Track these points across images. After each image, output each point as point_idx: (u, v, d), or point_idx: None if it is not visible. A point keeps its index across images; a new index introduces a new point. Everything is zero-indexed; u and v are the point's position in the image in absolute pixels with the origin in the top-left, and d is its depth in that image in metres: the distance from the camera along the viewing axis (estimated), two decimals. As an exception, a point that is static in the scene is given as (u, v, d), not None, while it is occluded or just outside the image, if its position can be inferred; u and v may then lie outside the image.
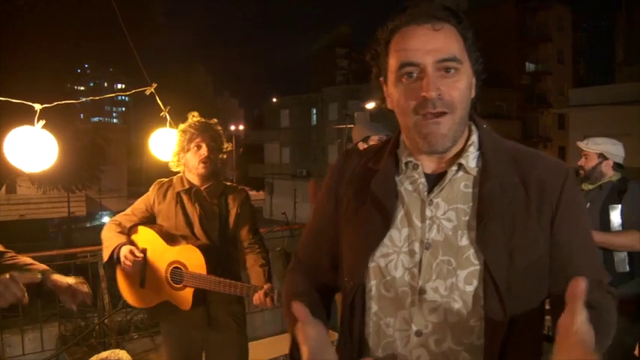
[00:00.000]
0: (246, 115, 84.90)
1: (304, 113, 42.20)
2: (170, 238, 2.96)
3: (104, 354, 4.04)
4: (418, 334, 1.26)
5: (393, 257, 1.30)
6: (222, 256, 2.94)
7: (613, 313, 1.24)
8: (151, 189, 3.07)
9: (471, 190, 1.28)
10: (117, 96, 4.29)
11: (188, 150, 2.97)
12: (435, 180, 1.31)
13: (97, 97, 3.78)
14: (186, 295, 2.88)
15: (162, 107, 3.42)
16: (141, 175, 33.46)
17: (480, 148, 1.32)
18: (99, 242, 3.04)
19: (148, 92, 3.50)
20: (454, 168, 1.29)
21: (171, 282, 2.92)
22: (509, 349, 1.21)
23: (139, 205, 3.07)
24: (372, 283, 1.32)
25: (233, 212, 3.05)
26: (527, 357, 1.26)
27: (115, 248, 2.87)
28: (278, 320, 5.57)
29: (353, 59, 63.66)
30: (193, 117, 3.06)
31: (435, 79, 1.22)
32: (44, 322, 5.07)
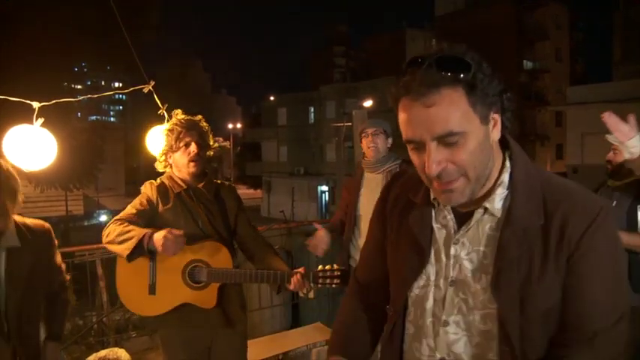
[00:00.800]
0: (244, 114, 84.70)
1: (302, 111, 42.18)
2: (187, 239, 2.78)
3: (103, 352, 4.04)
4: (444, 323, 1.35)
5: (426, 289, 1.39)
6: (232, 252, 2.93)
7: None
8: (147, 189, 2.93)
9: (494, 232, 1.30)
10: (114, 94, 4.30)
11: (176, 149, 2.89)
12: (465, 218, 1.35)
13: (95, 95, 3.72)
14: (211, 292, 2.80)
15: (159, 105, 3.41)
16: (138, 174, 33.43)
17: (510, 186, 1.31)
18: (96, 241, 2.99)
19: (145, 90, 3.49)
20: (481, 210, 1.32)
21: (190, 282, 2.81)
22: None
23: (141, 206, 2.87)
24: (411, 310, 1.42)
25: (231, 208, 3.04)
26: None
27: (143, 236, 2.64)
28: (276, 318, 5.57)
29: (350, 57, 63.76)
30: (178, 115, 3.00)
31: (436, 155, 1.21)
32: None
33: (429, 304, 1.37)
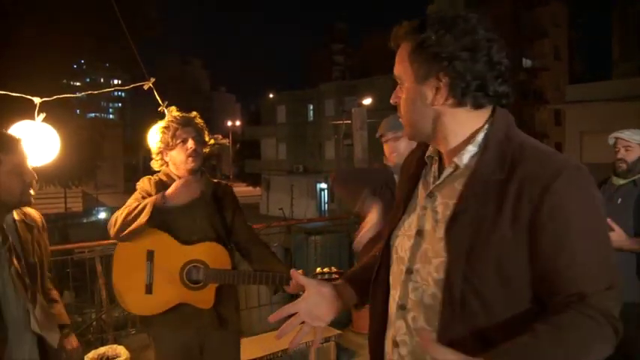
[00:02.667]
0: (243, 111, 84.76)
1: (301, 109, 42.21)
2: (183, 237, 2.81)
3: (102, 349, 4.07)
4: (402, 307, 1.42)
5: (401, 239, 1.48)
6: (230, 252, 2.92)
7: (583, 329, 1.17)
8: (144, 184, 2.91)
9: (461, 187, 1.36)
10: (114, 91, 4.29)
11: (173, 146, 2.86)
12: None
13: (96, 92, 3.70)
14: (208, 293, 2.79)
15: (160, 102, 3.39)
16: (137, 171, 33.47)
17: (482, 145, 1.35)
18: (96, 238, 2.98)
19: (146, 87, 3.47)
20: (451, 166, 1.39)
21: (187, 282, 2.79)
22: (458, 341, 1.24)
23: (142, 199, 2.83)
24: (393, 259, 1.50)
25: (228, 207, 3.02)
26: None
27: (156, 198, 2.70)
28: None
29: (349, 55, 63.71)
30: (173, 112, 2.97)
31: (396, 90, 1.47)
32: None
33: (400, 252, 1.46)
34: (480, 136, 1.36)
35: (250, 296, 5.21)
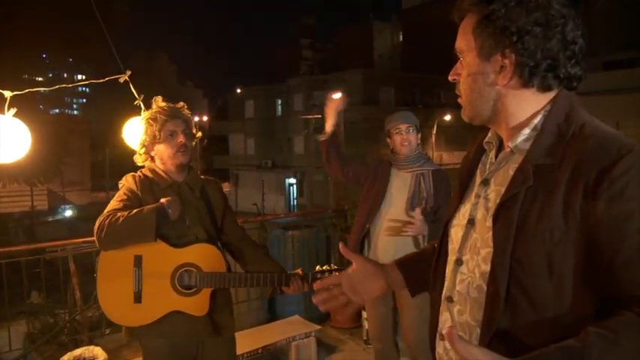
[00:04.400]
0: (211, 106, 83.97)
1: (269, 104, 42.04)
2: (172, 239, 2.63)
3: (78, 351, 3.94)
4: (449, 299, 1.37)
5: (455, 229, 1.41)
6: (224, 253, 2.76)
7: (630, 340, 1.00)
8: (128, 182, 2.70)
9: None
10: (78, 87, 4.14)
11: (161, 139, 2.67)
12: None
13: (70, 85, 3.55)
14: (202, 299, 2.62)
15: (136, 95, 3.29)
16: (104, 168, 32.87)
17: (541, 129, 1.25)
18: (63, 236, 2.81)
19: (122, 80, 3.37)
20: (507, 150, 1.30)
21: (180, 288, 2.61)
22: (503, 338, 1.18)
23: (127, 200, 2.63)
24: (449, 249, 1.42)
25: (218, 205, 2.86)
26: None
27: (157, 207, 2.51)
28: (253, 312, 5.51)
29: (317, 50, 63.71)
30: (158, 102, 2.78)
31: (456, 65, 1.35)
32: (11, 320, 4.89)
33: (454, 242, 1.39)
34: (538, 118, 1.25)
35: (239, 290, 5.12)
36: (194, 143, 2.84)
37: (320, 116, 5.91)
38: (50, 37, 13.63)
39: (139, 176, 2.72)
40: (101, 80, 3.42)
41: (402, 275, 1.61)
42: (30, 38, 12.74)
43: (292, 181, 39.52)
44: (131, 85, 3.36)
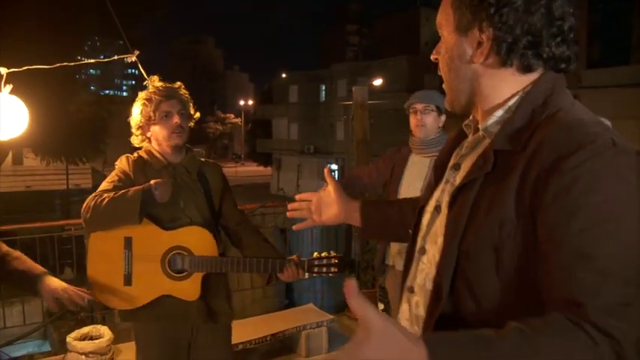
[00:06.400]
0: (256, 91, 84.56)
1: (313, 89, 41.94)
2: (165, 221, 2.57)
3: (86, 329, 3.98)
4: (410, 290, 1.29)
5: (426, 215, 1.30)
6: (217, 237, 2.68)
7: (565, 339, 0.88)
8: (122, 164, 2.66)
9: None
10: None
11: (156, 120, 2.61)
12: None
13: (73, 64, 3.57)
14: (194, 283, 2.55)
15: (145, 76, 3.24)
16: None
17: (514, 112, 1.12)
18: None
19: (129, 60, 3.35)
20: (480, 134, 1.19)
21: (170, 272, 2.55)
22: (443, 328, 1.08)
23: (119, 181, 2.59)
24: (419, 235, 1.33)
25: (216, 188, 2.78)
26: None
27: (144, 188, 2.44)
28: (269, 299, 5.47)
29: (363, 36, 63.24)
30: (155, 82, 2.72)
31: (438, 44, 1.25)
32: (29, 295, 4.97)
33: (422, 229, 1.30)
34: (514, 100, 1.13)
35: (242, 278, 5.08)
36: (191, 124, 2.77)
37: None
38: (100, 20, 13.76)
39: (134, 157, 2.68)
40: (107, 59, 3.40)
41: (360, 217, 1.67)
42: (73, 21, 12.93)
43: (334, 167, 39.45)
44: (139, 66, 3.33)
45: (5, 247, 2.47)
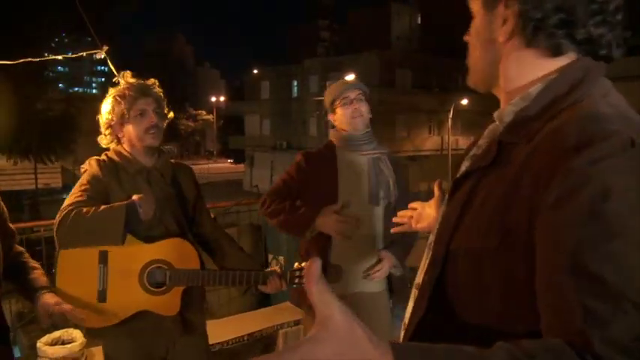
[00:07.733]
0: (228, 87, 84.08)
1: (285, 85, 41.88)
2: (143, 232, 2.36)
3: (57, 333, 3.84)
4: (417, 287, 1.17)
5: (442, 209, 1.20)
6: (197, 248, 2.52)
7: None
8: (92, 168, 2.43)
9: None
10: (50, 62, 4.03)
11: (129, 119, 2.40)
12: None
13: (38, 59, 3.48)
14: (173, 297, 2.38)
15: (114, 72, 3.17)
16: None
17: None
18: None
19: (98, 56, 3.27)
20: (496, 122, 1.08)
21: (149, 286, 2.37)
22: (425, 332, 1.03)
23: (92, 190, 2.36)
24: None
25: (189, 194, 2.62)
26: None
27: (128, 205, 2.24)
28: (245, 297, 5.40)
29: (334, 31, 63.34)
30: (127, 78, 2.50)
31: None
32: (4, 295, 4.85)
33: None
34: (536, 86, 0.98)
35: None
36: (165, 124, 2.57)
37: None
38: (68, 17, 13.55)
39: (104, 160, 2.46)
40: (75, 55, 3.32)
41: None
42: (45, 18, 12.72)
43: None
44: (109, 62, 3.26)
45: (27, 256, 2.43)
